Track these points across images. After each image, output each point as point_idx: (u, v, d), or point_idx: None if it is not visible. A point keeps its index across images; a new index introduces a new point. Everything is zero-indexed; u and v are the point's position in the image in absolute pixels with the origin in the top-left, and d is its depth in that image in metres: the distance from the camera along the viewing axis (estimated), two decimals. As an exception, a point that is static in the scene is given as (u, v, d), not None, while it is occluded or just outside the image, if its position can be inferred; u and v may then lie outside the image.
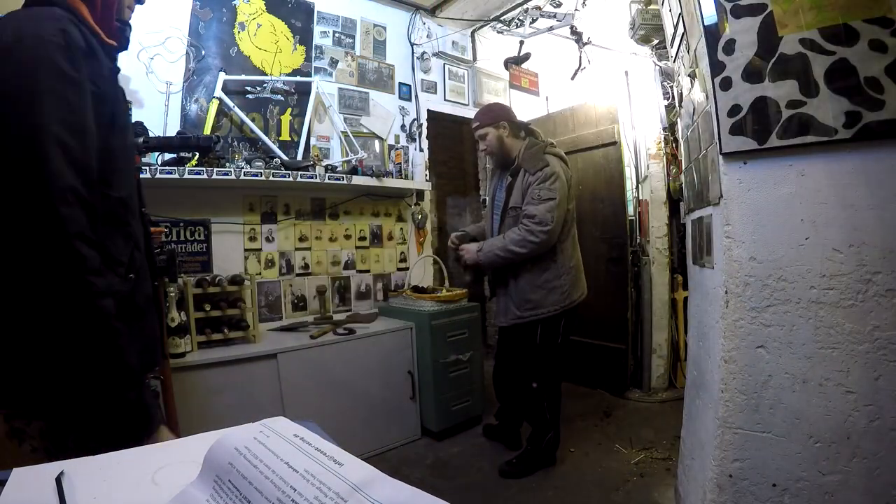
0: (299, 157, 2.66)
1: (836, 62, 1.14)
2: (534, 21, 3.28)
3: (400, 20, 3.26)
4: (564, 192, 2.11)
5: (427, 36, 3.38)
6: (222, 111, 2.44)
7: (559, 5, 3.23)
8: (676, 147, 3.00)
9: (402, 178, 2.99)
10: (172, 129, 2.27)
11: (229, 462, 0.41)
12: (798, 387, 1.23)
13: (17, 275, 0.76)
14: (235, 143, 2.47)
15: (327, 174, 2.57)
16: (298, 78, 2.73)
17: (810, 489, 1.22)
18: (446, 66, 3.54)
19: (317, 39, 2.84)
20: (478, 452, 2.47)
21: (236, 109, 2.43)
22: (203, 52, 2.40)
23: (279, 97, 2.64)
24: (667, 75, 3.05)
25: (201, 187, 2.30)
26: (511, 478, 2.18)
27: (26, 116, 0.75)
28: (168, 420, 1.54)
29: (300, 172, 2.45)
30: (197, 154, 2.10)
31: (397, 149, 3.05)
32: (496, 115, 2.26)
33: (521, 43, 3.27)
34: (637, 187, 3.25)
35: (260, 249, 2.61)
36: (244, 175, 2.26)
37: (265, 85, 2.59)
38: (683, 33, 1.59)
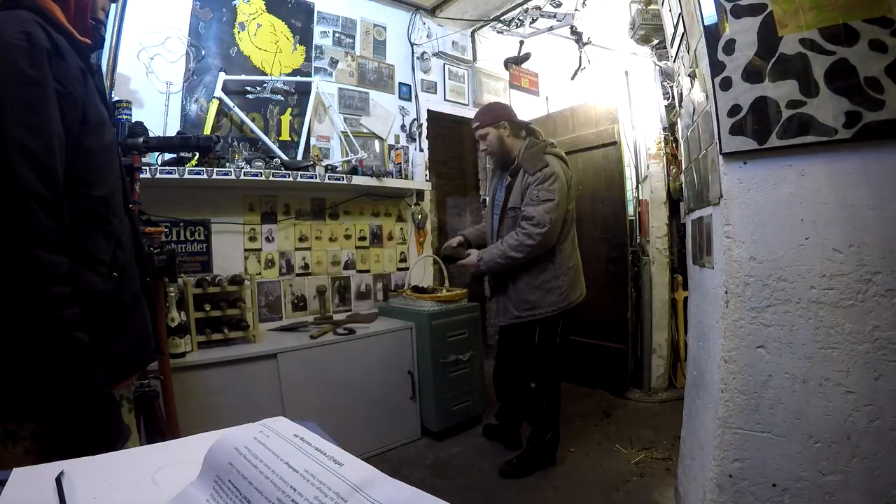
0: (299, 157, 2.66)
1: (836, 62, 1.14)
2: (534, 21, 3.27)
3: (400, 20, 3.26)
4: (564, 193, 2.11)
5: (427, 36, 3.38)
6: (222, 111, 2.44)
7: (559, 5, 3.23)
8: (676, 147, 2.99)
9: (402, 178, 2.99)
10: (172, 129, 2.27)
11: (229, 462, 0.41)
12: (798, 387, 1.23)
13: None
14: (235, 143, 2.47)
15: (327, 174, 2.57)
16: (298, 78, 2.73)
17: (810, 489, 1.22)
18: (446, 66, 3.54)
19: (317, 39, 2.84)
20: (478, 452, 2.47)
21: (236, 109, 2.43)
22: (203, 52, 2.40)
23: (279, 97, 2.64)
24: (667, 75, 3.05)
25: (201, 187, 2.31)
26: (511, 478, 2.18)
27: None
28: (168, 420, 1.54)
29: (300, 172, 2.45)
30: (197, 154, 2.09)
31: (397, 149, 3.05)
32: (497, 114, 2.26)
33: (521, 43, 3.26)
34: (637, 187, 3.25)
35: (260, 249, 2.61)
36: (244, 175, 2.26)
37: (265, 85, 2.58)
38: (683, 33, 1.59)
